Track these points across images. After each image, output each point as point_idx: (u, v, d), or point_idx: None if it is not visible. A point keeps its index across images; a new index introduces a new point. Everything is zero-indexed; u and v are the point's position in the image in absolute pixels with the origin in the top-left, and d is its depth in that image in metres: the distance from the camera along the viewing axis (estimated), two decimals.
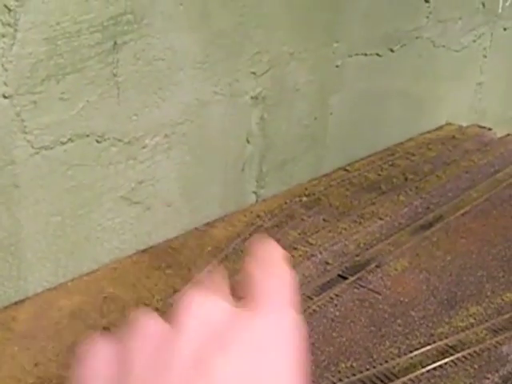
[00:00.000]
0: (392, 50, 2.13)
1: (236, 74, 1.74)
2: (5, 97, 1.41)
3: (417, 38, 2.21)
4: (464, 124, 2.39)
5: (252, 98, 1.78)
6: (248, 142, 1.83)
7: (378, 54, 2.08)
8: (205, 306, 0.55)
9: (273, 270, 0.61)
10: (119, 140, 1.58)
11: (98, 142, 1.55)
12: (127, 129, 1.58)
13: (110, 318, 1.49)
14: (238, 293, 0.59)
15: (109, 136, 1.56)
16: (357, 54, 2.03)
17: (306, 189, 1.97)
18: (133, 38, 1.52)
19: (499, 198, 2.00)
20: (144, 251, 1.69)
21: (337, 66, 1.97)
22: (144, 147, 1.63)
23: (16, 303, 1.52)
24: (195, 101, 1.68)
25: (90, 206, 1.59)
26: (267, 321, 0.55)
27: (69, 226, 1.57)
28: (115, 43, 1.51)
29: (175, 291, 1.57)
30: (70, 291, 1.56)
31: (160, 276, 1.61)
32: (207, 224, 1.79)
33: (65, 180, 1.53)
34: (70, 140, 1.51)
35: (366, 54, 2.05)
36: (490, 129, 2.35)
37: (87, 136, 1.53)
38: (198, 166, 1.73)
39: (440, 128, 2.38)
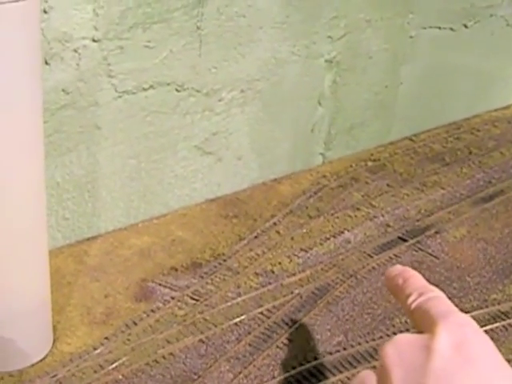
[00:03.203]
0: (466, 26, 2.15)
1: (313, 36, 1.79)
2: (94, 40, 1.48)
3: (491, 15, 2.23)
4: None
5: (326, 61, 1.83)
6: (320, 104, 1.88)
7: (451, 29, 2.11)
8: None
9: (427, 294, 0.76)
10: (197, 91, 1.64)
11: (177, 91, 1.61)
12: (206, 81, 1.64)
13: (176, 259, 1.56)
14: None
15: (188, 86, 1.63)
16: (431, 27, 2.06)
17: (372, 154, 2.02)
18: None
19: None
20: (212, 200, 1.75)
21: (410, 37, 2.01)
22: (220, 100, 1.69)
23: (89, 239, 1.60)
24: (272, 59, 1.73)
25: (164, 152, 1.65)
26: (462, 334, 0.67)
27: (143, 170, 1.64)
28: None
29: (240, 239, 1.63)
30: (140, 232, 1.64)
31: (226, 224, 1.67)
32: (274, 180, 1.85)
33: (143, 125, 1.60)
34: (152, 87, 1.58)
35: (439, 28, 2.08)
36: None
37: (168, 84, 1.59)
38: (270, 122, 1.79)
39: (508, 107, 2.40)
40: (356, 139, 2.03)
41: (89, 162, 1.57)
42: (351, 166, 1.96)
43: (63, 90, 1.48)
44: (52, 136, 1.49)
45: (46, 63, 1.45)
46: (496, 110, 2.39)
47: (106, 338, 1.37)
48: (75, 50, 1.47)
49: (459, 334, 0.68)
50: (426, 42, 2.09)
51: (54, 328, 1.36)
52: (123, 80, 1.55)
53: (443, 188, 1.91)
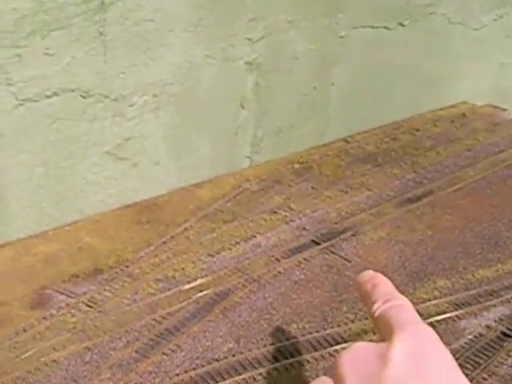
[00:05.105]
0: (402, 25, 2.14)
1: (230, 39, 1.78)
2: None
3: (431, 13, 2.21)
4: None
5: (246, 63, 1.82)
6: (242, 107, 1.87)
7: (386, 27, 2.10)
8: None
9: (392, 301, 0.76)
10: (105, 96, 1.64)
11: (83, 97, 1.61)
12: (114, 86, 1.64)
13: (80, 266, 1.56)
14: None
15: (94, 92, 1.62)
16: (363, 26, 2.05)
17: (302, 157, 2.01)
18: None
19: (497, 177, 2.00)
20: (128, 206, 1.75)
21: (340, 37, 1.99)
22: (131, 105, 1.68)
23: None
24: (186, 63, 1.73)
25: (74, 159, 1.65)
26: (419, 345, 0.68)
27: (53, 177, 1.64)
28: (102, 2, 1.57)
29: (148, 245, 1.63)
30: (49, 239, 1.63)
31: (137, 230, 1.67)
32: (195, 185, 1.84)
33: (49, 132, 1.59)
34: (55, 94, 1.57)
35: (373, 27, 2.06)
36: (504, 109, 2.34)
37: (72, 91, 1.59)
38: (187, 127, 1.78)
39: (453, 106, 2.38)
40: (286, 142, 2.02)
41: None
42: (277, 169, 1.95)
43: None
44: None
45: None
46: (442, 109, 2.37)
47: None
48: None
49: (416, 345, 0.67)
50: (358, 42, 2.08)
51: None
52: (23, 88, 1.54)
53: (369, 189, 1.89)
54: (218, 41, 1.76)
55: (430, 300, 1.58)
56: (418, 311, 1.51)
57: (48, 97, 1.58)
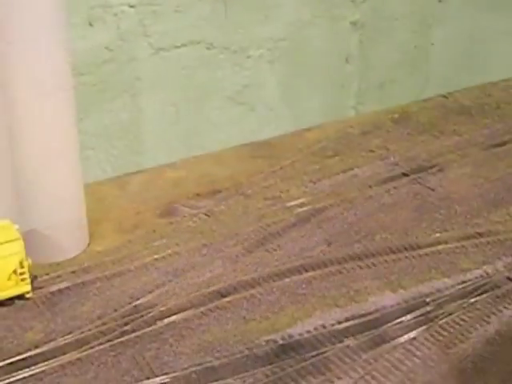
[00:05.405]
0: None
1: (336, 1, 2.05)
2: (130, 6, 1.81)
3: None
4: None
5: (351, 23, 2.09)
6: (348, 62, 2.14)
7: None
8: None
9: None
10: (226, 48, 1.94)
11: (207, 48, 1.92)
12: (234, 40, 1.94)
13: (202, 187, 1.88)
14: None
15: (217, 44, 1.93)
16: None
17: (401, 108, 2.26)
18: None
19: None
20: (245, 144, 2.05)
21: (439, 1, 2.23)
22: (249, 57, 1.98)
23: (133, 173, 1.94)
24: (297, 21, 2.01)
25: (200, 101, 1.97)
26: None
27: (182, 117, 1.96)
28: None
29: (260, 173, 1.93)
30: (177, 167, 1.97)
31: (252, 162, 1.98)
32: (304, 129, 2.13)
33: (179, 78, 1.91)
34: (184, 45, 1.89)
35: None
36: None
37: (198, 43, 1.91)
38: (299, 78, 2.07)
39: None
40: (387, 95, 2.27)
41: (132, 107, 1.90)
42: (378, 118, 2.21)
43: (106, 48, 1.82)
44: (97, 85, 1.83)
45: (90, 25, 1.79)
46: None
47: (130, 241, 1.70)
48: (115, 14, 1.81)
49: None
50: (457, 6, 2.29)
51: (91, 235, 1.71)
52: (158, 39, 1.87)
53: (460, 135, 2.12)
54: (325, 2, 2.03)
55: (500, 223, 1.80)
56: (489, 230, 1.74)
57: (178, 47, 1.89)
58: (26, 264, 1.54)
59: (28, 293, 1.57)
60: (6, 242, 1.52)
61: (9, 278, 1.54)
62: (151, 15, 1.86)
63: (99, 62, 1.84)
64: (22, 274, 1.54)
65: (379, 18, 2.12)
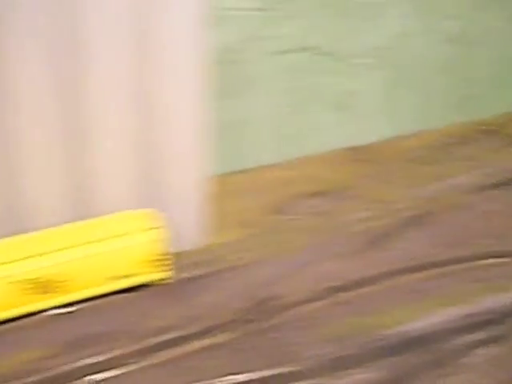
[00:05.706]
0: None
1: (435, 14, 2.13)
2: (252, 10, 1.89)
3: None
4: None
5: (447, 36, 2.16)
6: (441, 73, 2.21)
7: None
8: None
9: None
10: (332, 55, 2.02)
11: (316, 54, 2.00)
12: (338, 48, 2.02)
13: (309, 187, 1.96)
14: None
15: (325, 51, 2.01)
16: None
17: (489, 121, 2.34)
18: None
19: None
20: (348, 148, 2.14)
21: None
22: (353, 64, 2.06)
23: (245, 170, 2.02)
24: (399, 32, 2.09)
25: (305, 105, 2.05)
26: None
27: (288, 118, 2.04)
28: None
29: (364, 176, 2.01)
30: (284, 168, 2.04)
31: (355, 166, 2.05)
32: (403, 136, 2.21)
33: (286, 82, 2.00)
34: (295, 50, 1.97)
35: None
36: None
37: (309, 49, 1.99)
38: (398, 87, 2.14)
39: None
40: (477, 107, 2.34)
41: (247, 107, 1.99)
42: (468, 129, 2.29)
43: (227, 48, 1.90)
44: (218, 84, 1.90)
45: (215, 25, 1.87)
46: None
47: (250, 235, 1.79)
48: (238, 18, 1.90)
49: None
50: None
51: (214, 229, 1.79)
52: (270, 44, 1.95)
53: None
54: (426, 16, 2.11)
55: None
56: None
57: (289, 52, 1.98)
58: (166, 251, 1.63)
59: (169, 279, 1.65)
60: (151, 228, 1.62)
61: (150, 264, 1.64)
62: (270, 20, 1.94)
63: (220, 61, 1.90)
64: (163, 260, 1.63)
65: (474, 32, 2.20)
